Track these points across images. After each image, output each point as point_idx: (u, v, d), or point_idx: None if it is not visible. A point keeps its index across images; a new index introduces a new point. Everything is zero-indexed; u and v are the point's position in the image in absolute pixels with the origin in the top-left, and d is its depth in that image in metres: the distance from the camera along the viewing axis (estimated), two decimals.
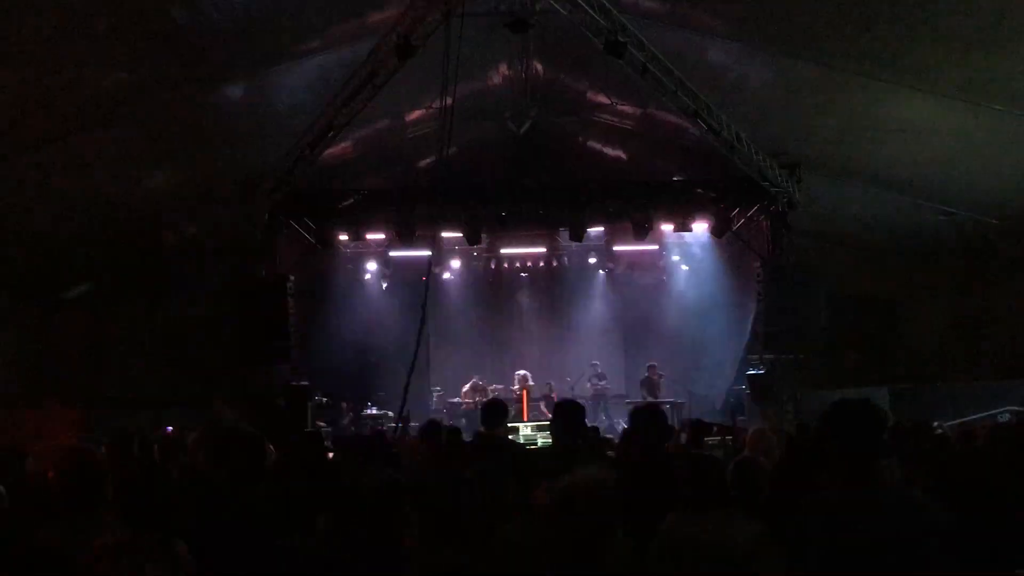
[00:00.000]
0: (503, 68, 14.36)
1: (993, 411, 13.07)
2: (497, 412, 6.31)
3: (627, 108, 14.67)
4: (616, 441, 9.86)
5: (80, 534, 3.67)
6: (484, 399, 16.68)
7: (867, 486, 3.03)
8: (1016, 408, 12.81)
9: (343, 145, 13.87)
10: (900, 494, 3.12)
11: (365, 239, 16.33)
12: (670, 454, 4.51)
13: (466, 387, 17.81)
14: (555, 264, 19.10)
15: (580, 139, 16.82)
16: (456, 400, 17.69)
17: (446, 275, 18.94)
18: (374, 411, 16.73)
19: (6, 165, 10.28)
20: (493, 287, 19.71)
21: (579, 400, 8.67)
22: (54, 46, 8.84)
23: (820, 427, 3.31)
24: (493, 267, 19.08)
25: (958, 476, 4.45)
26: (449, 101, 9.51)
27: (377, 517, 3.30)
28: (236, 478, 4.02)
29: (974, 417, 12.51)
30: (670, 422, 13.49)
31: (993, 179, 12.73)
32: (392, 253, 17.96)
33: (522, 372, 17.63)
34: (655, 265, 19.20)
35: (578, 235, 16.03)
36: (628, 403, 17.68)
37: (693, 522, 3.47)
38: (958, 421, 11.32)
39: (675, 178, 16.33)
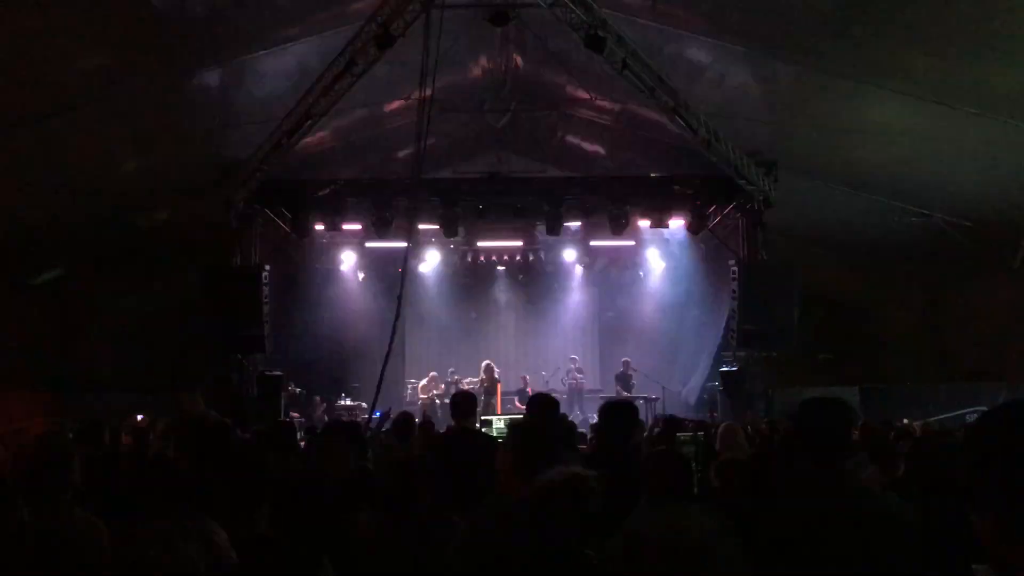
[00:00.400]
0: (483, 61, 14.36)
1: (962, 411, 13.25)
2: (465, 404, 6.24)
3: (606, 104, 14.70)
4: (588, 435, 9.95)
5: (45, 519, 3.64)
6: (444, 392, 16.73)
7: (831, 482, 3.06)
8: (985, 409, 12.97)
9: (320, 134, 13.82)
10: (866, 492, 3.15)
11: (341, 229, 16.25)
12: (638, 449, 4.53)
13: (424, 381, 17.78)
14: (532, 258, 19.11)
15: (559, 133, 16.85)
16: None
17: (422, 267, 18.88)
18: (348, 402, 16.68)
19: None
20: (470, 280, 19.71)
21: (554, 394, 8.69)
22: (30, 31, 8.72)
23: (790, 423, 3.34)
24: (470, 260, 19.06)
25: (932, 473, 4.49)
26: (428, 92, 9.47)
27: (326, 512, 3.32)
28: (200, 466, 4.01)
29: (942, 417, 12.68)
30: (642, 417, 13.58)
31: (968, 181, 12.86)
32: (368, 244, 17.89)
33: (487, 362, 17.56)
34: (631, 261, 19.26)
35: (555, 229, 16.03)
36: (603, 398, 17.77)
37: (652, 517, 3.49)
38: (925, 421, 11.44)
39: (652, 174, 16.38)
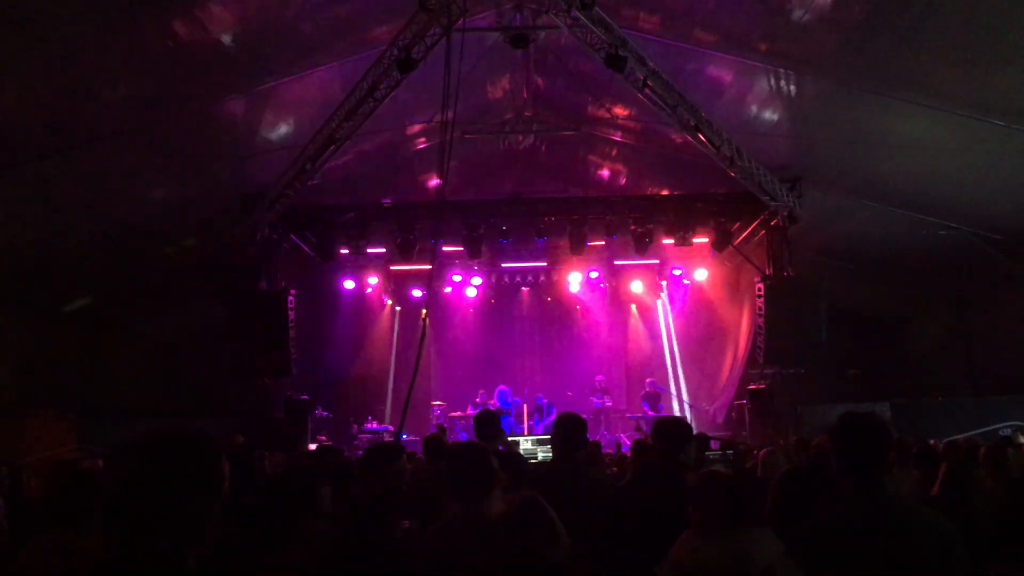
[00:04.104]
0: (504, 83, 14.41)
1: (995, 426, 13.05)
2: (488, 423, 6.14)
3: (628, 123, 14.70)
4: (615, 456, 9.89)
5: (72, 545, 3.66)
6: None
7: (874, 499, 3.00)
8: (1018, 423, 12.80)
9: (344, 158, 13.90)
10: (906, 507, 3.09)
11: (366, 252, 16.31)
12: (683, 468, 4.43)
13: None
14: (555, 277, 19.09)
15: (581, 153, 16.86)
16: (458, 414, 17.62)
17: (447, 289, 18.91)
18: (374, 426, 16.67)
19: (8, 176, 10.27)
20: (494, 301, 19.72)
21: (580, 415, 8.63)
22: (60, 61, 8.86)
23: (828, 439, 3.26)
24: (494, 281, 19.07)
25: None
26: (450, 115, 9.51)
27: None
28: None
29: (976, 432, 12.49)
30: None
31: (995, 194, 12.72)
32: (393, 267, 17.95)
33: (503, 387, 17.61)
34: (656, 279, 19.19)
35: (578, 248, 16.04)
36: (630, 418, 17.69)
37: (705, 544, 3.37)
38: (962, 436, 11.27)
39: (675, 192, 16.35)
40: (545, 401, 17.81)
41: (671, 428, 4.71)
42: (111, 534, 1.97)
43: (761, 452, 6.81)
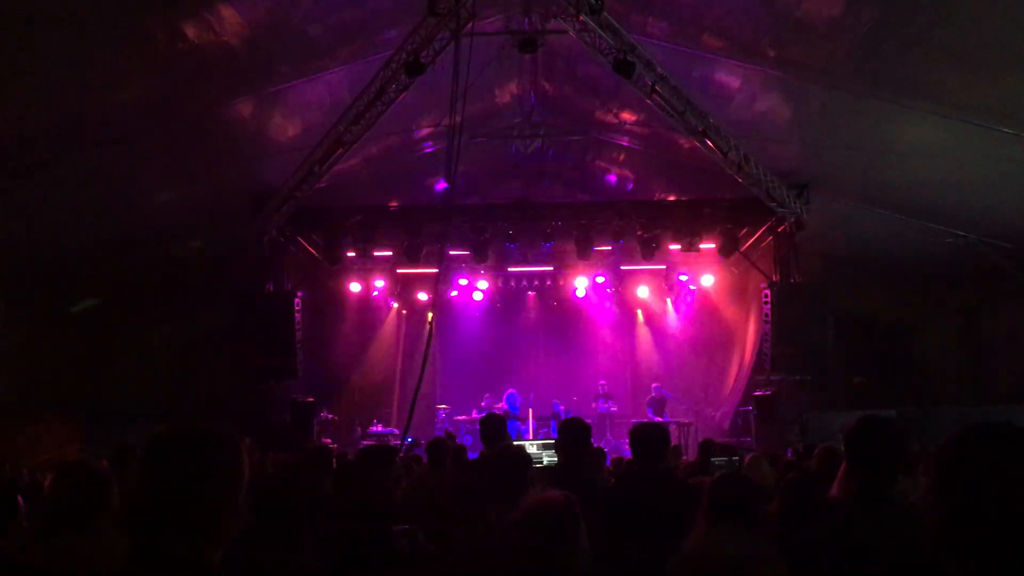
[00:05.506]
0: (512, 87, 14.42)
1: None
2: (494, 427, 6.12)
3: (635, 128, 14.69)
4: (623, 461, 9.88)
5: (78, 549, 3.65)
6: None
7: (880, 504, 2.99)
8: None
9: (352, 162, 13.92)
10: (911, 513, 3.08)
11: (372, 255, 16.33)
12: (671, 473, 4.45)
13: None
14: (562, 282, 19.09)
15: (588, 158, 16.86)
16: (463, 418, 17.62)
17: (453, 292, 18.92)
18: (380, 429, 16.67)
19: (15, 177, 10.31)
20: (501, 305, 19.71)
21: (585, 420, 8.60)
22: (69, 63, 8.89)
23: (842, 441, 3.26)
24: (500, 285, 19.06)
25: None
26: (458, 119, 9.52)
27: None
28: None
29: None
30: (678, 443, 13.44)
31: (1005, 202, 12.67)
32: (399, 270, 17.97)
33: (511, 391, 17.63)
34: (662, 284, 19.16)
35: (585, 253, 16.02)
36: (634, 423, 17.65)
37: (712, 538, 3.42)
38: None
39: (682, 198, 16.33)
40: (562, 408, 17.80)
41: (645, 434, 4.72)
42: (132, 535, 1.95)
43: (747, 457, 6.84)
